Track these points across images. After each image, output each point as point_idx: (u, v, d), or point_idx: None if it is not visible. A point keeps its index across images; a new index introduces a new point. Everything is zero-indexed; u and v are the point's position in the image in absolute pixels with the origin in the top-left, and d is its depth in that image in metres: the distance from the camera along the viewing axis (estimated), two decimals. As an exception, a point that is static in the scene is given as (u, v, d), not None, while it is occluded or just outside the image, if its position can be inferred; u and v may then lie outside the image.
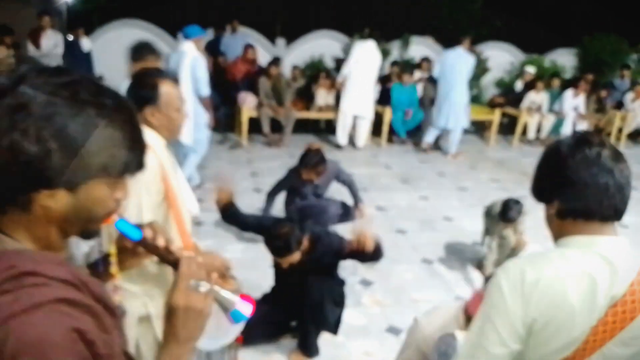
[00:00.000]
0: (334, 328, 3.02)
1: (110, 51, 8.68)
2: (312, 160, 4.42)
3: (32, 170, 0.73)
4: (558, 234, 1.18)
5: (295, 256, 2.75)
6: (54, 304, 0.71)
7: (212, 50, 8.64)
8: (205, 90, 5.12)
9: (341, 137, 7.75)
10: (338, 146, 7.82)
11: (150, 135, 1.91)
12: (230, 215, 3.09)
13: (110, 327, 0.78)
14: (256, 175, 6.25)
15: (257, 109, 7.47)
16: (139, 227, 1.07)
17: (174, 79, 2.01)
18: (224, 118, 7.94)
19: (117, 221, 1.02)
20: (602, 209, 1.11)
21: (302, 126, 8.09)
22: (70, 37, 7.41)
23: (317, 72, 8.39)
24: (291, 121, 7.58)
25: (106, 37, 8.67)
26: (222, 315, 1.17)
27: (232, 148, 7.41)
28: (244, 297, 1.08)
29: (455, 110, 7.48)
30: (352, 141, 7.98)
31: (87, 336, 0.72)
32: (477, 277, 4.08)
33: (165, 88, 1.90)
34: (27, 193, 0.76)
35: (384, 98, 8.21)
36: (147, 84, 1.89)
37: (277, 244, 2.71)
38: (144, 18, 9.11)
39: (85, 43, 7.38)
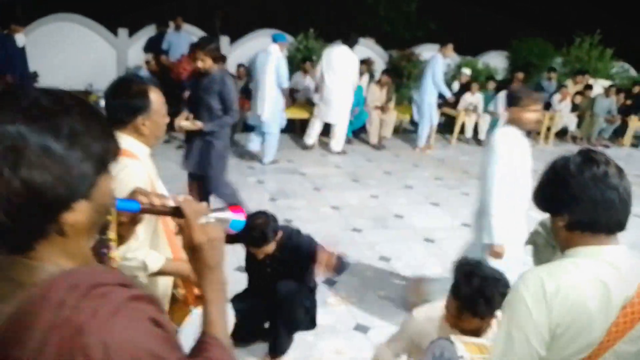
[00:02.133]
0: (309, 324, 3.07)
1: (45, 46, 8.27)
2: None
3: (50, 198, 0.75)
4: (566, 244, 1.28)
5: (271, 246, 2.79)
6: (126, 304, 0.76)
7: (154, 47, 8.41)
8: (286, 83, 6.82)
9: (311, 137, 7.82)
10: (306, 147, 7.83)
11: (137, 146, 1.89)
12: None
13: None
14: (207, 176, 6.17)
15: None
16: (131, 198, 1.15)
17: (155, 83, 2.00)
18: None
19: (117, 204, 1.08)
20: (609, 223, 1.22)
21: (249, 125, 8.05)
22: (4, 32, 6.97)
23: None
24: (240, 119, 7.52)
25: (40, 32, 8.24)
26: None
27: (179, 148, 7.25)
28: (232, 208, 1.22)
29: (423, 108, 8.20)
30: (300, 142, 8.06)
31: (159, 320, 0.79)
32: (434, 274, 4.26)
33: (153, 95, 1.89)
34: (53, 221, 0.78)
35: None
36: (136, 92, 1.86)
37: (254, 235, 2.74)
38: (78, 12, 8.72)
39: (20, 38, 6.97)
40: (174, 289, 2.04)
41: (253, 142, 7.13)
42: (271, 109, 6.65)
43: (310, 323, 3.04)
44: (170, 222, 1.95)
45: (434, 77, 7.93)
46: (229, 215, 1.19)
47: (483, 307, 1.75)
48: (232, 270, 3.94)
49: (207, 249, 1.03)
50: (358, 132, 8.68)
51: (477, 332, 1.79)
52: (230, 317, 2.30)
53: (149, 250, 1.83)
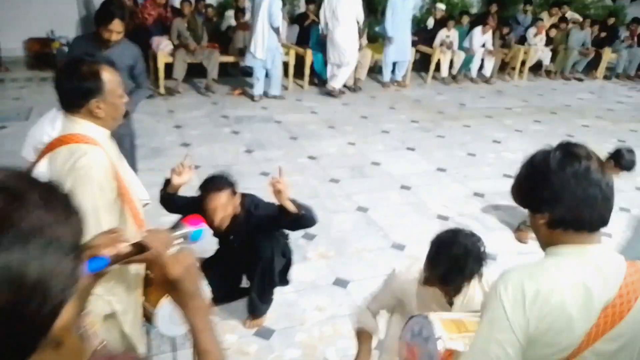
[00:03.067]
0: (284, 280, 3.14)
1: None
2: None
3: (38, 320, 0.60)
4: (547, 242, 1.25)
5: (230, 206, 2.72)
6: None
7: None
8: (278, 22, 6.94)
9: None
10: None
11: (95, 130, 1.81)
12: (169, 199, 2.85)
13: None
14: (180, 127, 6.05)
15: (173, 54, 7.09)
16: (97, 255, 1.05)
17: (109, 61, 1.87)
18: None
19: (87, 269, 1.00)
20: (592, 220, 1.19)
21: (220, 70, 7.79)
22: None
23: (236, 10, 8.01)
24: (214, 62, 7.30)
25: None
26: None
27: (149, 97, 7.02)
28: (188, 219, 1.23)
29: (401, 45, 8.34)
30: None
31: None
32: (411, 224, 4.35)
33: (106, 75, 1.79)
34: (43, 338, 0.61)
35: (303, 39, 8.10)
36: (87, 73, 1.75)
37: (210, 179, 2.74)
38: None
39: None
40: (148, 269, 2.03)
41: (256, 87, 7.32)
42: (266, 46, 7.00)
43: (284, 278, 3.12)
44: (136, 204, 1.91)
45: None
46: (188, 229, 1.18)
47: (456, 280, 1.78)
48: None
49: (185, 279, 0.99)
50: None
51: (457, 290, 1.83)
52: (205, 292, 2.34)
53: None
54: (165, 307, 2.08)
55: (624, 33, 10.57)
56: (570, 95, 9.13)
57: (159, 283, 1.02)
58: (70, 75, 1.77)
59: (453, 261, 1.75)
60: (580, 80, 10.31)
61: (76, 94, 1.76)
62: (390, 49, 8.32)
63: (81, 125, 1.77)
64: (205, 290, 2.42)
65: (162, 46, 7.08)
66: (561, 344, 1.16)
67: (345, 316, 3.17)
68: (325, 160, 5.41)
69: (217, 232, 2.84)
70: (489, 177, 5.38)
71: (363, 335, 2.15)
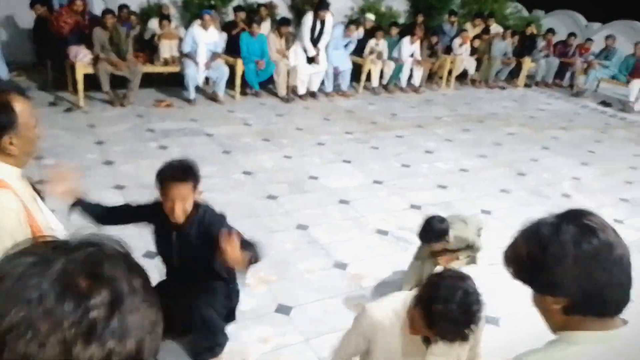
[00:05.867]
0: (229, 319, 2.93)
1: None
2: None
3: None
4: (561, 327, 1.07)
5: (190, 199, 2.46)
6: None
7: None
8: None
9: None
10: (189, 101, 7.40)
11: (4, 170, 1.55)
12: (83, 210, 2.59)
13: None
14: (103, 143, 5.64)
15: (93, 65, 6.64)
16: None
17: (19, 89, 1.61)
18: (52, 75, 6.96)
19: None
20: (617, 304, 1.02)
21: (145, 81, 7.41)
22: None
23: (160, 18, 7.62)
24: (137, 76, 6.92)
25: None
26: None
27: (67, 111, 6.55)
28: None
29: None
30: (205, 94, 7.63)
31: None
32: (351, 240, 4.25)
33: (19, 106, 1.53)
34: None
35: (233, 48, 7.86)
36: None
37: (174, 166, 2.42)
38: None
39: None
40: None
41: (191, 89, 7.32)
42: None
43: (229, 317, 2.90)
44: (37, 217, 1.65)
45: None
46: None
47: (456, 336, 1.53)
48: (140, 257, 3.66)
49: None
50: (266, 84, 8.35)
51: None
52: None
53: None
54: None
55: (541, 43, 11.13)
56: (495, 103, 9.47)
57: None
58: None
59: (464, 314, 1.50)
60: (503, 88, 10.74)
61: None
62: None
63: None
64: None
65: (81, 56, 6.61)
66: None
67: (290, 345, 3.00)
68: (261, 176, 5.22)
69: (167, 227, 2.57)
70: (424, 189, 5.40)
71: None
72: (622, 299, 1.03)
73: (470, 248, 3.24)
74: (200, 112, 7.07)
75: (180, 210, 2.45)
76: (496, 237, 4.32)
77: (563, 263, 1.00)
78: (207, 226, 2.58)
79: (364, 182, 5.37)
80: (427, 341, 1.69)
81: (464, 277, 1.57)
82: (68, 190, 2.38)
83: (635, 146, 7.80)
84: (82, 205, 2.56)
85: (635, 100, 9.83)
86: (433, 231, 3.08)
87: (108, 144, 5.64)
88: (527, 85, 11.13)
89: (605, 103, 10.20)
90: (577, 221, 1.03)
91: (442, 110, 8.60)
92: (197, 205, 2.60)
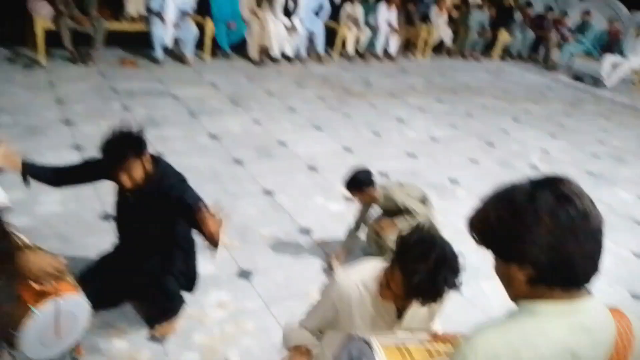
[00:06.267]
0: (186, 288, 2.84)
1: None
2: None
3: None
4: (522, 296, 1.01)
5: (138, 169, 2.37)
6: None
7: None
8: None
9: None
10: (156, 61, 7.13)
11: None
12: (31, 175, 2.48)
13: None
14: (63, 102, 5.39)
15: (54, 20, 6.31)
16: None
17: None
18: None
19: None
20: (586, 275, 0.97)
21: (111, 39, 7.09)
22: None
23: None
24: (100, 32, 6.61)
25: None
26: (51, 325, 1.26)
27: (27, 67, 6.23)
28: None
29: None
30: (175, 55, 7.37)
31: None
32: (317, 207, 4.18)
33: None
34: None
35: (203, 8, 7.57)
36: None
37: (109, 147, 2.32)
38: None
39: None
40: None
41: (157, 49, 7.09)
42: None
43: (188, 286, 2.81)
44: None
45: None
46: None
47: (433, 294, 1.47)
48: (97, 219, 3.54)
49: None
50: (237, 46, 8.09)
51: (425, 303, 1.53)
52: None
53: None
54: (32, 328, 1.73)
55: (518, 16, 11.06)
56: (469, 75, 9.42)
57: None
58: None
59: (435, 271, 1.46)
60: (478, 60, 10.68)
61: None
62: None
63: None
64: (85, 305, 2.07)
65: (40, 10, 6.26)
66: None
67: (250, 312, 2.94)
68: (228, 140, 5.07)
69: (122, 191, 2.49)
70: (394, 157, 5.35)
71: (297, 352, 1.76)
72: (591, 270, 0.97)
73: (407, 213, 3.28)
74: (167, 74, 6.82)
75: (128, 181, 2.38)
76: (462, 206, 4.32)
77: (535, 232, 0.94)
78: (166, 187, 2.49)
79: (334, 149, 5.29)
80: (399, 311, 1.64)
81: (436, 236, 1.52)
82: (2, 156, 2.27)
83: (604, 121, 7.88)
84: (31, 172, 2.47)
85: (606, 76, 9.91)
86: (357, 179, 3.28)
87: (68, 102, 5.40)
88: (502, 58, 11.10)
89: (578, 78, 10.26)
90: (553, 188, 0.96)
91: (416, 80, 8.51)
92: (156, 164, 2.51)
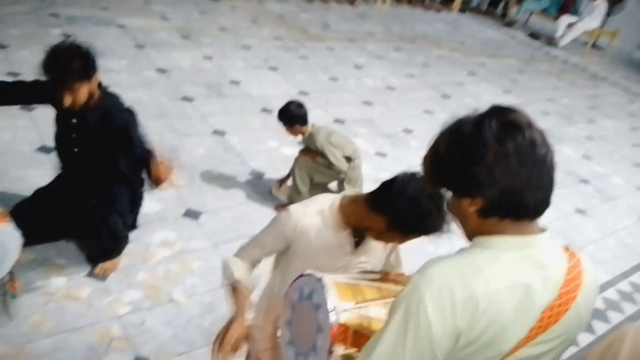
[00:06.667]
0: (129, 227, 2.73)
1: None
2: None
3: None
4: (476, 232, 0.98)
5: (83, 90, 2.20)
6: None
7: None
8: None
9: None
10: None
11: None
12: None
13: None
14: (-5, 24, 4.95)
15: None
16: None
17: None
18: None
19: None
20: (536, 206, 0.94)
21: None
22: None
23: None
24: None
25: None
26: None
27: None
28: None
29: None
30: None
31: None
32: (270, 150, 4.08)
33: None
34: None
35: None
36: None
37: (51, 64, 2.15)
38: None
39: None
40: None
41: None
42: None
43: (132, 224, 2.71)
44: None
45: None
46: None
47: (409, 227, 1.40)
48: (33, 151, 3.32)
49: None
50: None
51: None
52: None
53: None
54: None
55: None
56: (428, 25, 9.32)
57: None
58: None
59: (426, 208, 1.37)
60: (438, 10, 10.56)
61: None
62: None
63: None
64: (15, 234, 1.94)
65: None
66: (487, 354, 0.94)
67: (196, 251, 2.87)
68: (176, 75, 4.82)
69: (67, 110, 2.30)
70: (349, 104, 5.27)
71: (237, 294, 1.64)
72: (542, 202, 0.95)
73: (323, 157, 3.31)
74: (113, 1, 6.35)
75: (70, 102, 2.22)
76: (415, 157, 4.33)
77: (482, 161, 0.91)
78: (112, 118, 2.35)
79: (289, 92, 5.14)
80: (358, 242, 1.60)
81: (414, 174, 1.44)
82: None
83: (555, 80, 8.04)
84: None
85: (561, 36, 10.05)
86: (289, 111, 3.26)
87: (3, 25, 4.95)
88: (461, 10, 11.02)
89: (533, 36, 10.35)
90: (501, 117, 0.93)
91: (375, 27, 8.34)
92: (105, 94, 2.36)
